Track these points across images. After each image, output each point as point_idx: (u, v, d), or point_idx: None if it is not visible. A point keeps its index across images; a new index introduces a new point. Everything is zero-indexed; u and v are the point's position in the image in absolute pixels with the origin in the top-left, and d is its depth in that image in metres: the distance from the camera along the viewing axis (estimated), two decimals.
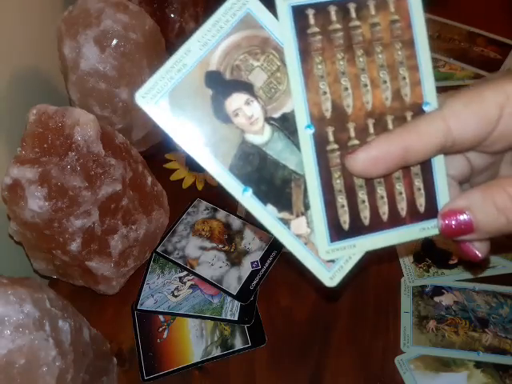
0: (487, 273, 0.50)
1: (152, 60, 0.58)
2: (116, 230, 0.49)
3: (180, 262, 0.53)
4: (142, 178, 0.52)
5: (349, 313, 0.49)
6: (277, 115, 0.30)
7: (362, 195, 0.31)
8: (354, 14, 0.30)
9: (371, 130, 0.30)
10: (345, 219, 0.31)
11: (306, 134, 0.30)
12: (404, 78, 0.31)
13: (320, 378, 0.46)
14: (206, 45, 0.29)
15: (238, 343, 0.48)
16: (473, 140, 0.28)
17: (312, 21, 0.29)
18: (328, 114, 0.30)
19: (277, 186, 0.30)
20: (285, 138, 0.30)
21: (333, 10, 0.29)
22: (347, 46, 0.30)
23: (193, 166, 0.63)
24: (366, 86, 0.30)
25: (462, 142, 0.28)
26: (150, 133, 0.61)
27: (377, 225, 0.31)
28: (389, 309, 0.49)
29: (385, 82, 0.30)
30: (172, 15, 0.69)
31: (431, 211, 0.31)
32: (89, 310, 0.50)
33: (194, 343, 0.48)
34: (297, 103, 0.30)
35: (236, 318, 0.49)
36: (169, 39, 0.68)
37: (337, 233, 0.31)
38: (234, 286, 0.51)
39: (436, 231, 0.32)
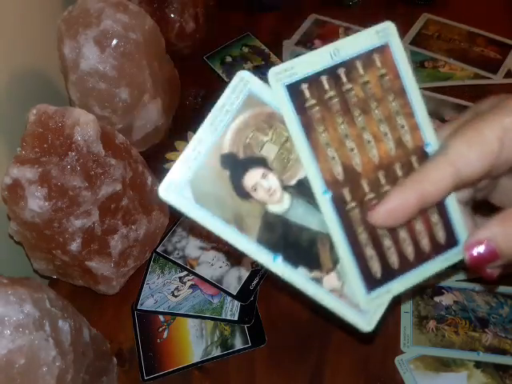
0: None
1: (152, 60, 0.58)
2: (116, 230, 0.49)
3: (180, 262, 0.53)
4: (142, 177, 0.52)
5: None
6: (293, 182, 0.31)
7: (387, 243, 0.32)
8: (344, 79, 0.31)
9: (383, 180, 0.32)
10: (376, 269, 0.32)
11: (324, 199, 0.31)
12: (403, 126, 0.32)
13: (320, 378, 0.46)
14: (216, 130, 0.30)
15: (238, 343, 0.48)
16: (480, 175, 0.30)
17: (308, 94, 0.31)
18: (341, 177, 0.31)
19: (304, 248, 0.32)
20: (304, 202, 0.31)
21: (324, 79, 0.31)
22: (344, 109, 0.31)
23: None
24: (369, 142, 0.32)
25: (471, 179, 0.30)
26: (149, 133, 0.61)
27: (405, 266, 0.33)
28: (389, 309, 0.49)
29: (386, 134, 0.32)
30: (172, 15, 0.69)
31: (451, 240, 0.33)
32: (89, 310, 0.50)
33: (194, 343, 0.48)
34: (310, 173, 0.31)
35: (236, 318, 0.49)
36: (169, 39, 0.68)
37: (371, 283, 0.32)
38: (234, 286, 0.51)
39: (458, 258, 0.33)
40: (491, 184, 0.34)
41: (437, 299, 0.49)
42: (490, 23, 0.73)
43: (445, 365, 0.45)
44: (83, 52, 0.53)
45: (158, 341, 0.49)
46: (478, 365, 0.45)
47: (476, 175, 0.30)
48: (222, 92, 0.30)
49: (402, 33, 0.73)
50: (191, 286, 0.52)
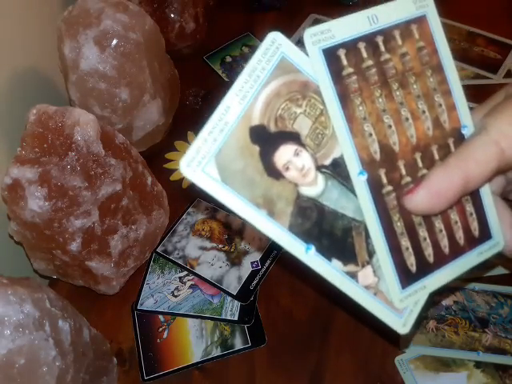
0: (487, 273, 0.50)
1: (152, 60, 0.58)
2: (116, 230, 0.49)
3: (180, 262, 0.53)
4: (142, 177, 0.52)
5: (348, 312, 0.49)
6: (327, 162, 0.29)
7: (423, 233, 0.30)
8: (382, 48, 0.29)
9: (420, 163, 0.30)
10: (411, 261, 0.30)
11: (360, 181, 0.29)
12: (440, 105, 0.30)
13: (320, 377, 0.46)
14: (246, 97, 0.27)
15: (238, 343, 0.48)
16: None
17: (345, 61, 0.28)
18: (377, 156, 0.29)
19: (338, 238, 0.29)
20: (339, 185, 0.29)
21: (362, 46, 0.29)
22: (383, 81, 0.29)
23: None
24: (407, 119, 0.30)
25: None
26: (149, 133, 0.61)
27: (440, 260, 0.31)
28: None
29: (423, 112, 0.30)
30: (172, 15, 0.69)
31: (485, 233, 0.32)
32: (89, 310, 0.50)
33: (193, 343, 0.48)
34: (346, 150, 0.29)
35: (236, 318, 0.49)
36: (169, 39, 0.68)
37: (406, 278, 0.30)
38: (234, 286, 0.51)
39: (492, 252, 0.32)
40: None
41: (437, 299, 0.49)
42: (489, 23, 0.73)
43: (445, 365, 0.45)
44: (83, 52, 0.53)
45: (158, 341, 0.49)
46: (478, 365, 0.45)
47: None
48: (251, 58, 0.27)
49: None
50: (191, 286, 0.52)
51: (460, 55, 0.70)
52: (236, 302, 0.50)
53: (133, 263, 0.52)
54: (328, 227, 0.29)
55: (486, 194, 0.31)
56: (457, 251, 0.31)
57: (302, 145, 0.28)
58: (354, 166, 0.29)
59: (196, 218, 0.57)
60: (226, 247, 0.54)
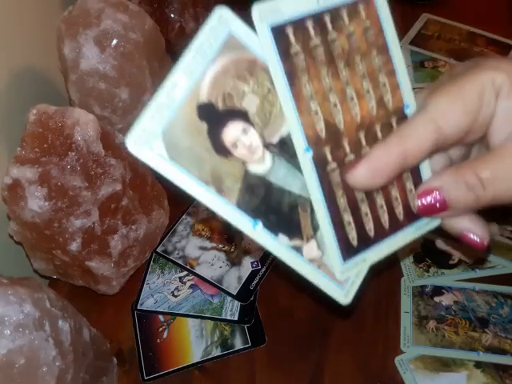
0: (487, 273, 0.50)
1: (152, 60, 0.58)
2: (116, 230, 0.49)
3: (180, 262, 0.53)
4: (142, 177, 0.52)
5: (348, 313, 0.49)
6: (275, 140, 0.29)
7: (365, 208, 0.31)
8: (330, 27, 0.29)
9: (363, 142, 0.31)
10: (353, 236, 0.31)
11: (305, 158, 0.29)
12: (384, 85, 0.31)
13: (320, 377, 0.46)
14: (193, 74, 0.26)
15: (238, 343, 0.48)
16: (461, 133, 0.30)
17: (293, 39, 0.28)
18: (323, 134, 0.30)
19: (285, 214, 0.30)
20: (286, 162, 0.30)
21: (310, 25, 0.29)
22: (329, 60, 0.29)
23: None
24: (352, 99, 0.30)
25: (452, 138, 0.30)
26: None
27: (381, 234, 0.32)
28: (389, 309, 0.49)
29: (368, 91, 0.30)
30: (172, 15, 0.69)
31: None
32: (89, 310, 0.50)
33: (193, 343, 0.48)
34: (292, 128, 0.29)
35: (236, 318, 0.49)
36: (169, 39, 0.68)
37: (347, 251, 0.31)
38: (234, 286, 0.51)
39: (429, 227, 0.33)
40: (465, 157, 0.34)
41: (437, 299, 0.49)
42: (490, 23, 0.73)
43: (445, 365, 0.45)
44: (83, 52, 0.53)
45: (158, 341, 0.49)
46: (478, 365, 0.45)
47: (457, 133, 0.30)
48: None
49: (402, 33, 0.73)
50: (191, 286, 0.52)
51: (460, 55, 0.70)
52: (236, 302, 0.50)
53: (133, 263, 0.52)
54: (275, 204, 0.29)
55: (427, 173, 0.32)
56: (396, 226, 0.32)
57: (250, 123, 0.28)
58: (300, 144, 0.29)
59: (196, 218, 0.57)
60: (226, 247, 0.54)
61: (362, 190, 0.31)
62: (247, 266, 0.52)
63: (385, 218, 0.32)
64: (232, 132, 0.28)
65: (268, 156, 0.29)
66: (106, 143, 0.47)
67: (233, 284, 0.51)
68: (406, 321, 0.48)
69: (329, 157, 0.30)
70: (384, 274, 0.51)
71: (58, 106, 0.46)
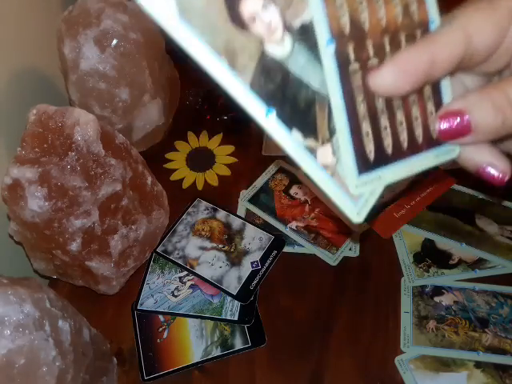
0: (487, 273, 0.50)
1: (152, 60, 0.58)
2: (116, 230, 0.49)
3: (180, 262, 0.53)
4: (142, 177, 0.52)
5: (349, 313, 0.49)
6: (296, 24, 0.27)
7: (384, 121, 0.29)
8: None
9: (387, 47, 0.29)
10: (370, 148, 0.29)
11: (327, 51, 0.27)
12: None
13: (320, 377, 0.46)
14: None
15: (238, 343, 0.48)
16: (489, 49, 0.29)
17: None
18: (347, 30, 0.28)
19: (301, 108, 0.28)
20: (306, 51, 0.27)
21: None
22: None
23: (193, 166, 0.63)
24: (378, 0, 0.28)
25: (479, 51, 0.29)
26: (149, 133, 0.61)
27: (398, 153, 0.30)
28: (389, 309, 0.49)
29: None
30: None
31: None
32: (89, 310, 0.49)
33: (194, 343, 0.48)
34: (316, 14, 0.27)
35: (236, 318, 0.49)
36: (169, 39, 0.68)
37: (364, 164, 0.29)
38: (234, 286, 0.51)
39: (449, 156, 0.31)
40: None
41: (437, 299, 0.49)
42: None
43: (445, 365, 0.45)
44: (83, 52, 0.53)
45: (158, 341, 0.49)
46: (478, 365, 0.45)
47: (485, 46, 0.28)
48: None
49: None
50: (191, 286, 0.52)
51: None
52: (236, 302, 0.50)
53: (133, 263, 0.52)
54: (291, 95, 0.27)
55: (448, 98, 0.31)
56: (415, 148, 0.31)
57: None
58: (323, 33, 0.27)
59: (196, 218, 0.57)
60: (226, 247, 0.54)
61: (385, 93, 0.29)
62: (247, 266, 0.52)
63: (404, 137, 0.30)
64: (251, 3, 0.25)
65: (288, 39, 0.27)
66: (106, 143, 0.47)
67: (233, 284, 0.51)
68: (406, 321, 0.48)
69: (352, 55, 0.28)
70: (384, 274, 0.51)
71: (58, 106, 0.46)
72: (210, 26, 0.25)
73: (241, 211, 0.57)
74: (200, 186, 0.61)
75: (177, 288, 0.52)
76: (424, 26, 0.30)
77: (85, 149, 0.45)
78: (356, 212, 0.30)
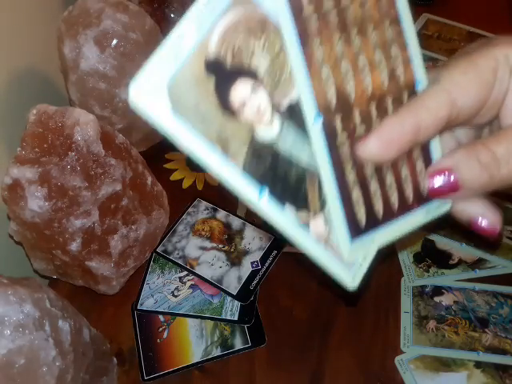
0: (487, 273, 0.50)
1: None
2: (116, 230, 0.49)
3: (180, 262, 0.53)
4: (142, 177, 0.52)
5: (349, 313, 0.49)
6: (284, 103, 0.28)
7: (374, 185, 0.30)
8: None
9: (374, 114, 0.29)
10: (361, 214, 0.30)
11: (315, 126, 0.28)
12: (396, 57, 0.30)
13: (320, 377, 0.46)
14: (202, 26, 0.25)
15: (238, 343, 0.48)
16: (474, 108, 0.29)
17: (305, 0, 0.27)
18: (333, 103, 0.28)
19: (292, 184, 0.28)
20: (294, 129, 0.28)
21: None
22: (342, 25, 0.28)
23: (193, 166, 0.63)
24: (364, 68, 0.29)
25: (465, 112, 0.29)
26: (149, 133, 0.61)
27: (389, 215, 0.31)
28: (389, 309, 0.49)
29: (380, 62, 0.29)
30: (172, 15, 0.69)
31: None
32: (89, 310, 0.50)
33: (194, 343, 0.48)
34: (303, 92, 0.28)
35: (236, 318, 0.49)
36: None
37: (356, 230, 0.30)
38: (234, 286, 0.51)
39: (440, 210, 0.32)
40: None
41: (437, 299, 0.49)
42: (490, 23, 0.73)
43: (445, 365, 0.45)
44: (83, 52, 0.53)
45: (158, 341, 0.49)
46: (478, 365, 0.45)
47: (470, 107, 0.29)
48: None
49: None
50: (191, 286, 0.52)
51: None
52: (236, 301, 0.50)
53: (133, 263, 0.52)
54: (282, 173, 0.28)
55: (437, 153, 0.31)
56: (406, 208, 0.31)
57: (260, 81, 0.27)
58: (310, 109, 0.28)
59: (196, 218, 0.57)
60: (226, 247, 0.54)
61: (372, 161, 0.29)
62: (247, 266, 0.52)
63: (394, 198, 0.31)
64: (240, 90, 0.26)
65: (277, 120, 0.28)
66: (106, 143, 0.47)
67: (233, 284, 0.51)
68: (406, 321, 0.48)
69: (339, 127, 0.29)
70: (384, 274, 0.51)
71: (57, 106, 0.46)
72: (202, 118, 0.25)
73: (241, 211, 0.57)
74: (200, 186, 0.61)
75: (177, 288, 0.52)
76: (410, 88, 0.30)
77: (85, 149, 0.45)
78: (351, 278, 0.30)
